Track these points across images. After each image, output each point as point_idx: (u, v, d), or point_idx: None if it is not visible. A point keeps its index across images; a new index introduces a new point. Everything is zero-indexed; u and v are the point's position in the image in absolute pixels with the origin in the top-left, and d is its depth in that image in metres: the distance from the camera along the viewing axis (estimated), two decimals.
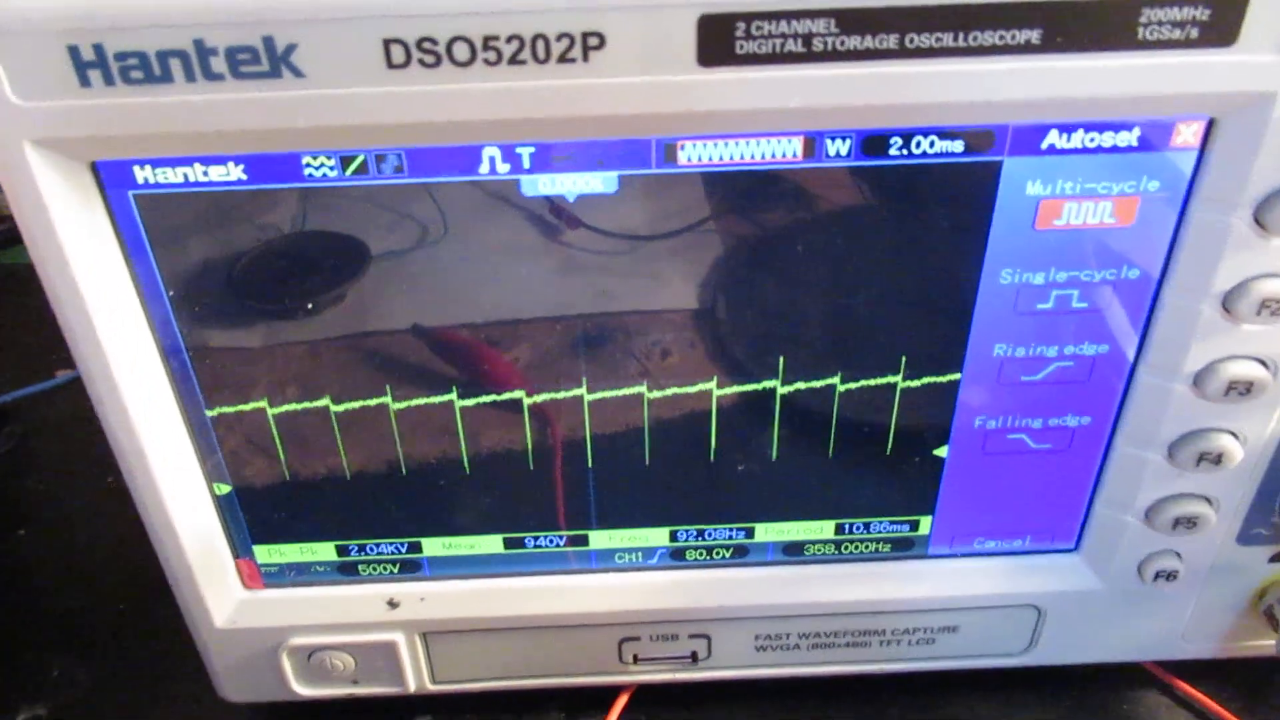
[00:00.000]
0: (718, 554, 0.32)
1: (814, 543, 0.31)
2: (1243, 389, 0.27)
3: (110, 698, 0.35)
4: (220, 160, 0.23)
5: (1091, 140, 0.24)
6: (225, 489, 0.29)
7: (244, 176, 0.24)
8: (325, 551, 0.31)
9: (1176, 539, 0.30)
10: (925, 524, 0.31)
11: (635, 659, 0.33)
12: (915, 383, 0.28)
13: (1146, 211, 0.25)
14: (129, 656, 0.36)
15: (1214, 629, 0.33)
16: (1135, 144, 0.24)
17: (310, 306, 0.26)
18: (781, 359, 0.27)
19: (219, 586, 0.31)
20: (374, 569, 0.31)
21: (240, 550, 0.30)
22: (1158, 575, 0.31)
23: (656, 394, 0.28)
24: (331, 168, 0.24)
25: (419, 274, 0.26)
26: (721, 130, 0.24)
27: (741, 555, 0.32)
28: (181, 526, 0.29)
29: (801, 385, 0.28)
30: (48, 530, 0.42)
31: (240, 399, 0.27)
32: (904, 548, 0.32)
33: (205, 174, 0.24)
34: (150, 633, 0.36)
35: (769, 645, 0.33)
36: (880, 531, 0.31)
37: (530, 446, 0.29)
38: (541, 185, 0.24)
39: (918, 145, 0.24)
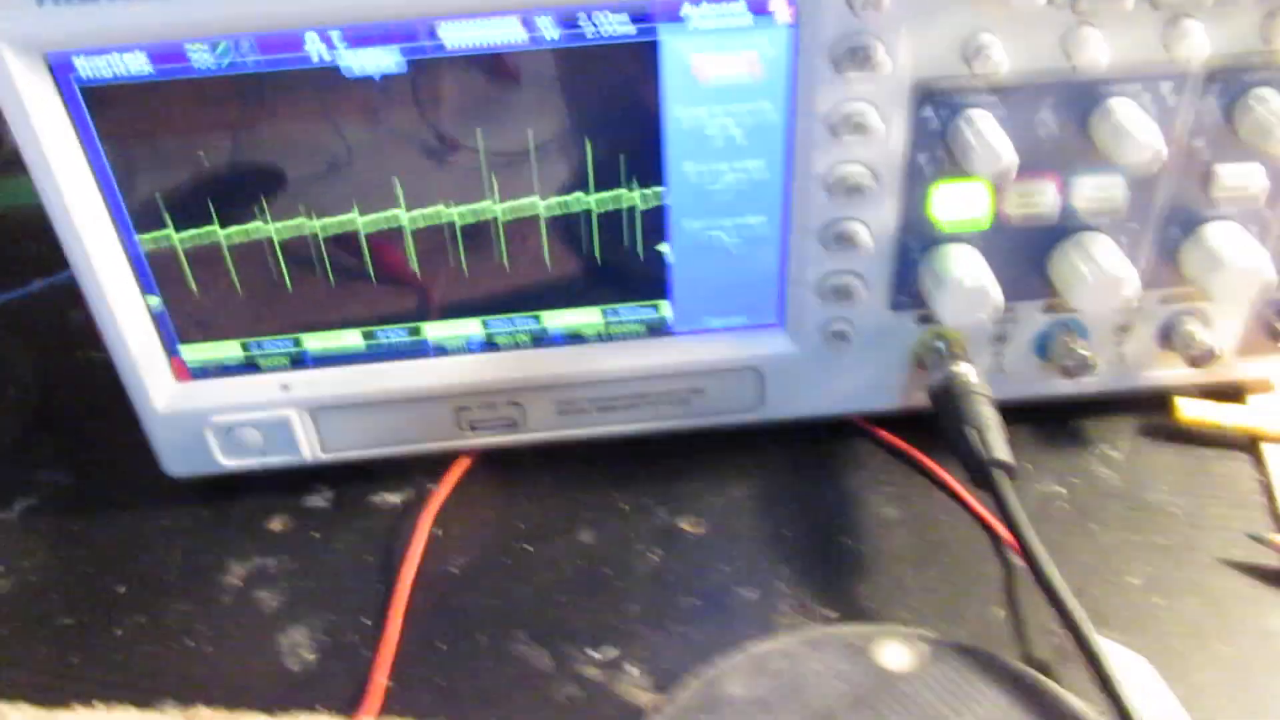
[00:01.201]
0: (520, 339, 0.43)
1: (588, 327, 0.43)
2: (853, 186, 0.39)
3: (86, 487, 0.47)
4: (130, 49, 0.35)
5: (720, 16, 0.36)
6: (155, 301, 0.41)
7: (149, 69, 0.35)
8: (233, 350, 0.42)
9: (841, 308, 0.42)
10: (666, 308, 0.43)
11: (471, 426, 0.45)
12: (637, 195, 0.40)
13: (769, 65, 0.37)
14: (96, 450, 0.48)
15: (892, 383, 0.45)
16: (750, 19, 0.36)
17: (205, 159, 0.38)
18: (538, 183, 0.39)
19: (157, 379, 0.42)
20: (270, 361, 0.43)
21: (170, 350, 0.42)
22: (834, 336, 0.43)
23: (459, 216, 0.40)
24: (206, 53, 0.35)
25: (291, 144, 0.38)
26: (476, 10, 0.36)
27: (538, 341, 0.44)
28: (126, 331, 0.40)
29: (556, 203, 0.40)
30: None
31: (159, 228, 0.39)
32: (655, 329, 0.44)
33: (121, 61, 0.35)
34: (109, 435, 0.48)
35: (567, 410, 0.45)
36: (633, 316, 0.43)
37: (370, 261, 0.41)
38: (356, 65, 0.36)
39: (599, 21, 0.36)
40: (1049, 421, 0.47)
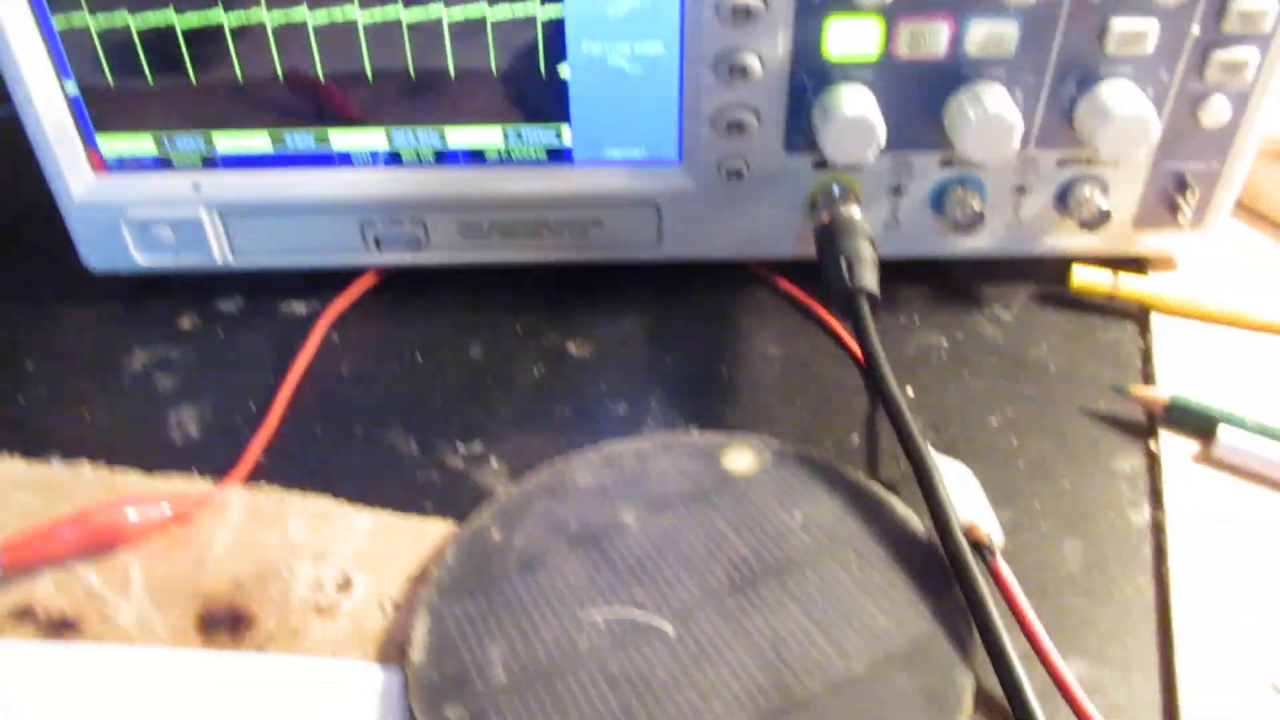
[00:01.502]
0: (423, 155, 0.45)
1: (490, 148, 0.45)
2: (741, 9, 0.40)
3: (11, 274, 0.49)
4: None
5: None
6: (71, 86, 0.42)
7: None
8: (146, 144, 0.44)
9: (736, 144, 0.43)
10: (566, 134, 0.44)
11: (377, 243, 0.46)
12: (536, 4, 0.41)
13: None
14: (22, 242, 0.50)
15: (790, 229, 0.46)
16: None
17: None
18: None
19: (75, 169, 0.44)
20: (182, 159, 0.45)
21: (87, 139, 0.44)
22: (731, 174, 0.44)
23: (365, 16, 0.41)
24: None
25: None
26: None
27: (441, 158, 0.45)
28: (44, 117, 0.42)
29: (459, 10, 0.41)
30: None
31: (73, 8, 0.41)
32: (555, 155, 0.45)
33: None
34: (36, 229, 0.50)
35: (470, 233, 0.46)
36: (534, 139, 0.44)
37: (278, 60, 0.42)
38: None
39: None
40: (945, 283, 0.48)
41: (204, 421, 0.42)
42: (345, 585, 0.35)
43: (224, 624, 0.33)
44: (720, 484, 0.37)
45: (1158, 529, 0.37)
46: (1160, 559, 0.36)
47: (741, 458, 0.38)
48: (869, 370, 0.38)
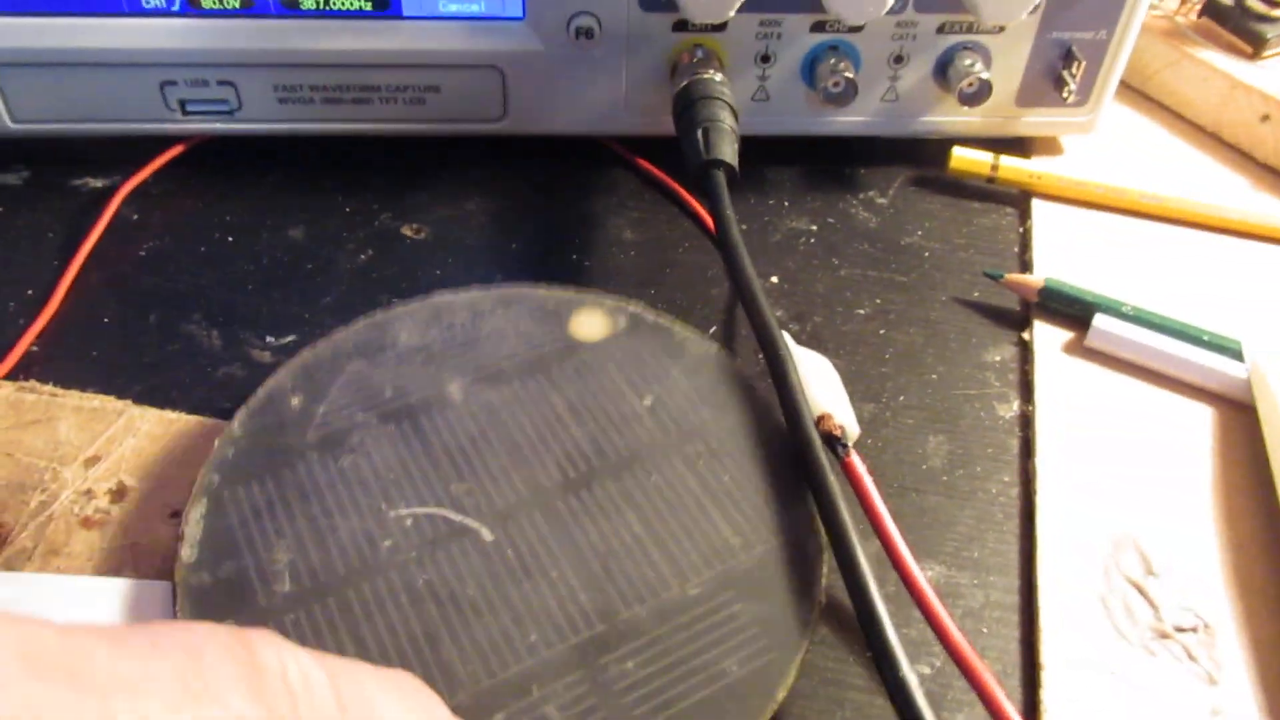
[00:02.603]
0: (229, 2, 0.39)
1: None
2: None
3: None
4: None
5: None
6: None
7: None
8: None
9: None
10: None
11: (182, 108, 0.41)
12: None
13: None
14: None
15: (648, 100, 0.42)
16: None
17: None
18: None
19: None
20: None
21: None
22: (579, 33, 0.39)
23: None
24: None
25: None
26: None
27: (249, 7, 0.39)
28: None
29: None
30: None
31: None
32: (382, 7, 0.39)
33: None
34: None
35: (288, 98, 0.41)
36: None
37: None
38: None
39: None
40: (817, 166, 0.44)
41: None
42: (119, 494, 0.30)
43: None
44: (564, 353, 0.33)
45: (1026, 423, 0.34)
46: (1027, 454, 0.33)
47: (592, 321, 0.34)
48: (720, 246, 0.34)
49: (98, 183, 0.42)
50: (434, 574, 0.28)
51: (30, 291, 0.37)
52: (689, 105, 0.38)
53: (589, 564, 0.28)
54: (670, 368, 0.33)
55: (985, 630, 0.29)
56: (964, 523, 0.31)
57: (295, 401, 0.31)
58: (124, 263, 0.38)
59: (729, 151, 0.36)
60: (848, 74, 0.40)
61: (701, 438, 0.31)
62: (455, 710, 0.23)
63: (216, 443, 0.30)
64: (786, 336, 0.32)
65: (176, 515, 0.30)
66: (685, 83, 0.39)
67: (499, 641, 0.26)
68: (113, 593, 0.27)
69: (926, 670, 0.28)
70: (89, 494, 0.30)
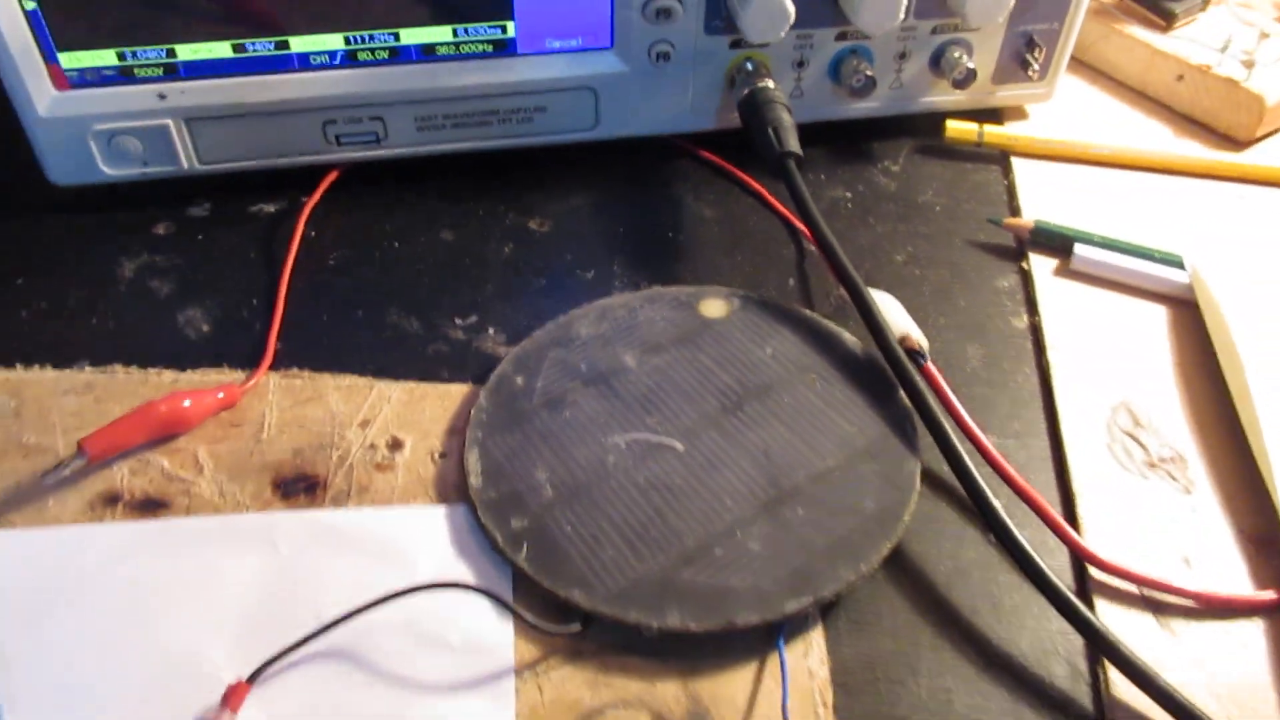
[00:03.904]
0: (379, 54, 0.48)
1: (440, 44, 0.48)
2: None
3: None
4: None
5: None
6: (31, 4, 0.43)
7: None
8: (109, 57, 0.46)
9: (662, 29, 0.49)
10: (511, 28, 0.48)
11: (338, 140, 0.50)
12: None
13: None
14: None
15: (710, 105, 0.52)
16: None
17: None
18: None
19: (38, 85, 0.45)
20: (145, 70, 0.47)
21: (49, 57, 0.45)
22: (659, 57, 0.50)
23: None
24: None
25: None
26: None
27: (396, 56, 0.48)
28: (6, 33, 0.43)
29: None
30: None
31: None
32: (501, 49, 0.49)
33: None
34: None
35: (425, 126, 0.50)
36: (481, 35, 0.49)
37: None
38: None
39: None
40: (840, 142, 0.55)
41: (213, 318, 0.46)
42: (396, 445, 0.40)
43: (299, 488, 0.39)
44: (700, 328, 0.44)
45: (1035, 330, 0.46)
46: (1040, 352, 0.45)
47: (715, 305, 0.45)
48: (806, 221, 0.45)
49: (270, 207, 0.51)
50: (649, 474, 0.39)
51: (255, 301, 0.46)
52: (755, 109, 0.48)
53: (755, 455, 0.39)
54: (778, 327, 0.44)
55: (1031, 476, 0.41)
56: (1003, 405, 0.43)
57: (519, 380, 0.42)
58: (321, 271, 0.48)
59: (795, 143, 0.47)
60: (867, 72, 0.51)
61: (813, 370, 0.42)
62: (687, 551, 0.35)
63: (472, 412, 0.41)
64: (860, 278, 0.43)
65: (443, 456, 0.40)
66: (747, 91, 0.49)
67: (706, 509, 0.38)
68: (430, 515, 0.38)
69: (999, 504, 0.40)
70: (373, 447, 0.40)
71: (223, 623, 0.35)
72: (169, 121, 0.47)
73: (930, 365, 0.41)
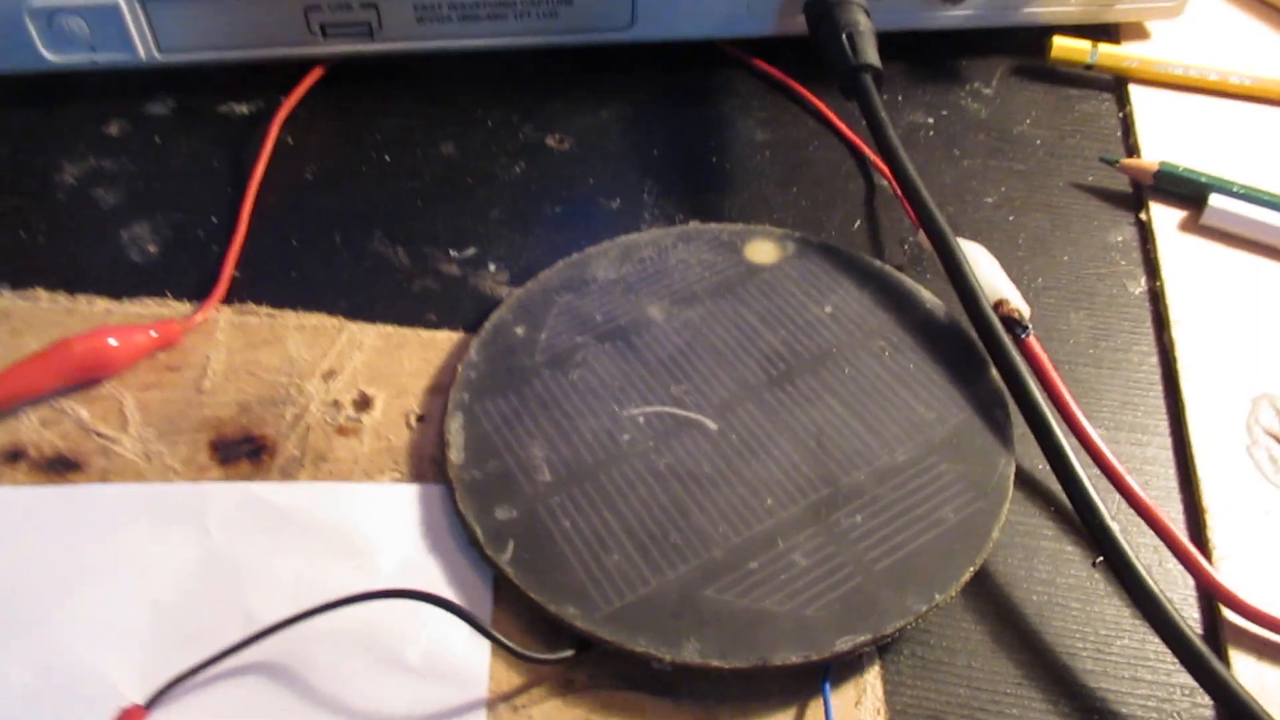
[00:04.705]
0: None
1: None
2: None
3: None
4: None
5: None
6: None
7: None
8: None
9: None
10: None
11: (323, 31, 0.42)
12: None
13: None
14: None
15: (770, 3, 0.43)
16: None
17: None
18: None
19: None
20: None
21: None
22: None
23: None
24: None
25: None
26: None
27: None
28: None
29: None
30: None
31: None
32: None
33: None
34: None
35: (427, 17, 0.42)
36: None
37: None
38: None
39: None
40: (925, 60, 0.46)
41: (162, 238, 0.38)
42: (364, 403, 0.33)
43: (241, 451, 0.32)
44: (745, 275, 0.36)
45: (1154, 297, 0.38)
46: (1160, 326, 0.37)
47: (764, 249, 0.37)
48: (883, 150, 0.37)
49: (243, 108, 0.43)
50: (672, 458, 0.31)
51: (214, 219, 0.39)
52: (826, 11, 0.40)
53: (804, 442, 0.32)
54: (842, 280, 0.36)
55: (1147, 482, 0.33)
56: (1114, 390, 0.35)
57: (519, 330, 0.34)
58: (294, 186, 0.40)
59: (873, 55, 0.38)
60: None
61: (882, 335, 0.34)
62: (713, 562, 0.27)
63: (459, 367, 0.33)
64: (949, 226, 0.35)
65: (421, 420, 0.33)
66: None
67: (740, 507, 0.30)
68: (398, 496, 0.31)
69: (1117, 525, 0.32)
70: (336, 404, 0.33)
71: (129, 623, 0.28)
72: (120, 0, 0.40)
73: (1032, 339, 0.33)
